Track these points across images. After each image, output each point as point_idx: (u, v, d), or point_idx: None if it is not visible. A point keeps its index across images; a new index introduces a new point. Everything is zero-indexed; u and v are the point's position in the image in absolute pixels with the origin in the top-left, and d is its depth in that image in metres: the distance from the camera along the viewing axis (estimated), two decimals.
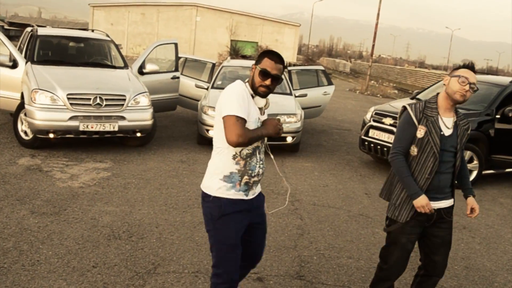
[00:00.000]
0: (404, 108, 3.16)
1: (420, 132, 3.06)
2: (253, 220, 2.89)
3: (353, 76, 47.85)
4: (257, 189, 2.91)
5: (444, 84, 3.09)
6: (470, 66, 3.08)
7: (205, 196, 2.79)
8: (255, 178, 2.81)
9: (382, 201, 6.24)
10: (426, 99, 3.20)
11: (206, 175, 2.83)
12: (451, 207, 3.25)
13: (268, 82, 2.73)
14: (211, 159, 2.83)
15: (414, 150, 3.08)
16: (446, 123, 3.09)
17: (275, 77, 2.75)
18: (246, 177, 2.75)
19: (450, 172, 3.16)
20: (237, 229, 2.78)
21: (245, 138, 2.59)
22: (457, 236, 5.40)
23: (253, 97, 2.77)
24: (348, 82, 35.81)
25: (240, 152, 2.72)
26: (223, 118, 2.62)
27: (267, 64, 2.74)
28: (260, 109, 2.82)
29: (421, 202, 3.03)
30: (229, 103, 2.63)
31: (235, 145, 2.61)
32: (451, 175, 3.18)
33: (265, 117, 2.86)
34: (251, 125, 2.69)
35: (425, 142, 3.05)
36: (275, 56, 2.77)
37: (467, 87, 2.98)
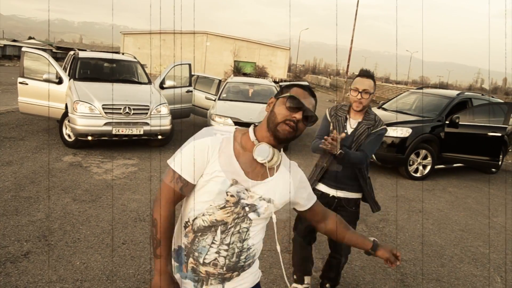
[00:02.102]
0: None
1: (331, 128, 2.92)
2: None
3: (332, 89, 47.81)
4: None
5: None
6: (362, 74, 2.82)
7: None
8: (209, 269, 1.50)
9: None
10: (344, 103, 3.02)
11: None
12: (354, 200, 2.92)
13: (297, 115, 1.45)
14: None
15: None
16: (351, 124, 2.88)
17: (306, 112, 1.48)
18: (191, 260, 1.52)
19: (348, 166, 2.82)
20: None
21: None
22: (414, 218, 5.41)
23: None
24: (328, 94, 35.80)
25: (193, 220, 1.53)
26: None
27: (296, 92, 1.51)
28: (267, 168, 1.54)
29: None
30: None
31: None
32: (349, 169, 2.85)
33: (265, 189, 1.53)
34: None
35: None
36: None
37: (359, 96, 2.76)
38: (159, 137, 7.54)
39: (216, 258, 1.50)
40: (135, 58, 9.46)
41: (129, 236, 3.99)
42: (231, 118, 7.85)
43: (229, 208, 1.48)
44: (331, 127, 2.92)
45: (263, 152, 1.47)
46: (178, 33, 53.36)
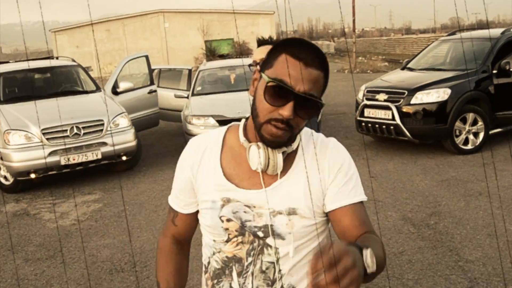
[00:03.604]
0: None
1: None
2: None
3: (338, 55, 47.93)
4: None
5: None
6: (262, 43, 2.85)
7: None
8: None
9: (390, 183, 6.26)
10: None
11: None
12: None
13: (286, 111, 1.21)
14: None
15: None
16: None
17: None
18: None
19: None
20: None
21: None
22: (474, 204, 5.42)
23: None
24: (335, 63, 35.85)
25: (208, 263, 1.52)
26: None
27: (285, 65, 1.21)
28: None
29: None
30: None
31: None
32: None
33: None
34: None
35: None
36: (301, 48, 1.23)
37: None
38: (123, 158, 7.54)
39: None
40: (74, 60, 9.46)
41: None
42: (212, 116, 7.85)
43: (235, 238, 1.37)
44: None
45: (252, 157, 1.30)
46: (125, 18, 53.36)
